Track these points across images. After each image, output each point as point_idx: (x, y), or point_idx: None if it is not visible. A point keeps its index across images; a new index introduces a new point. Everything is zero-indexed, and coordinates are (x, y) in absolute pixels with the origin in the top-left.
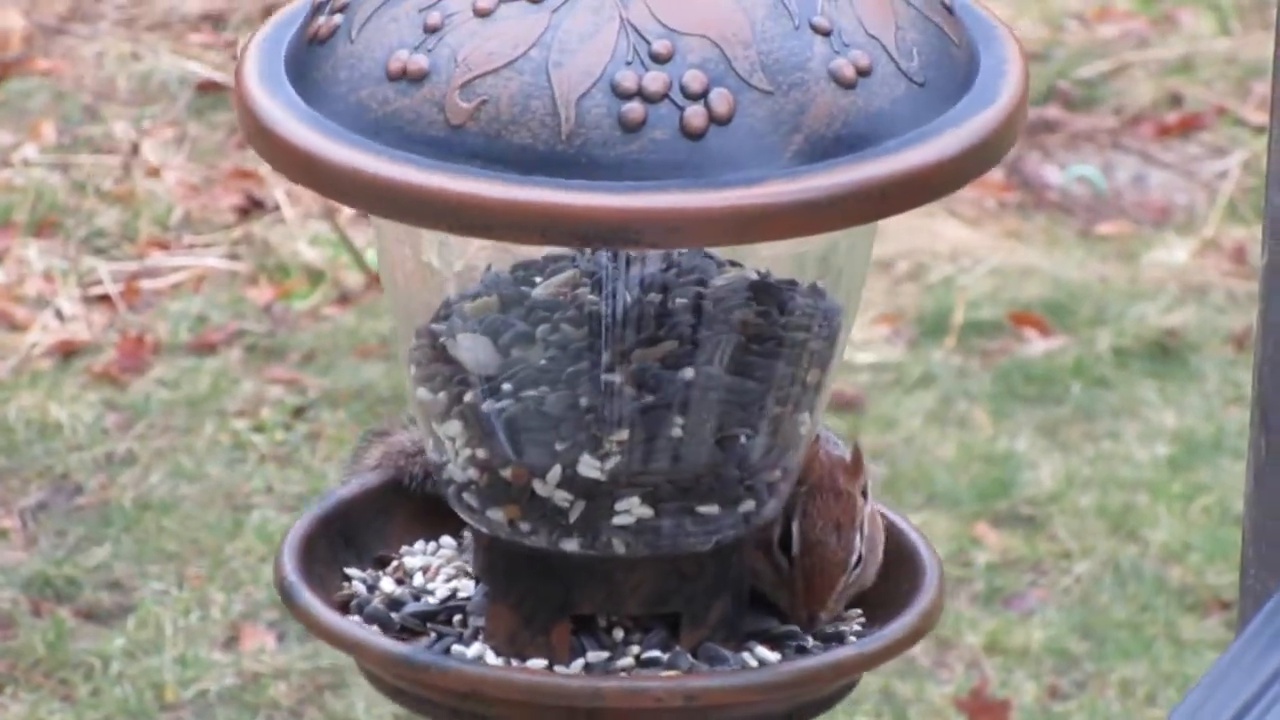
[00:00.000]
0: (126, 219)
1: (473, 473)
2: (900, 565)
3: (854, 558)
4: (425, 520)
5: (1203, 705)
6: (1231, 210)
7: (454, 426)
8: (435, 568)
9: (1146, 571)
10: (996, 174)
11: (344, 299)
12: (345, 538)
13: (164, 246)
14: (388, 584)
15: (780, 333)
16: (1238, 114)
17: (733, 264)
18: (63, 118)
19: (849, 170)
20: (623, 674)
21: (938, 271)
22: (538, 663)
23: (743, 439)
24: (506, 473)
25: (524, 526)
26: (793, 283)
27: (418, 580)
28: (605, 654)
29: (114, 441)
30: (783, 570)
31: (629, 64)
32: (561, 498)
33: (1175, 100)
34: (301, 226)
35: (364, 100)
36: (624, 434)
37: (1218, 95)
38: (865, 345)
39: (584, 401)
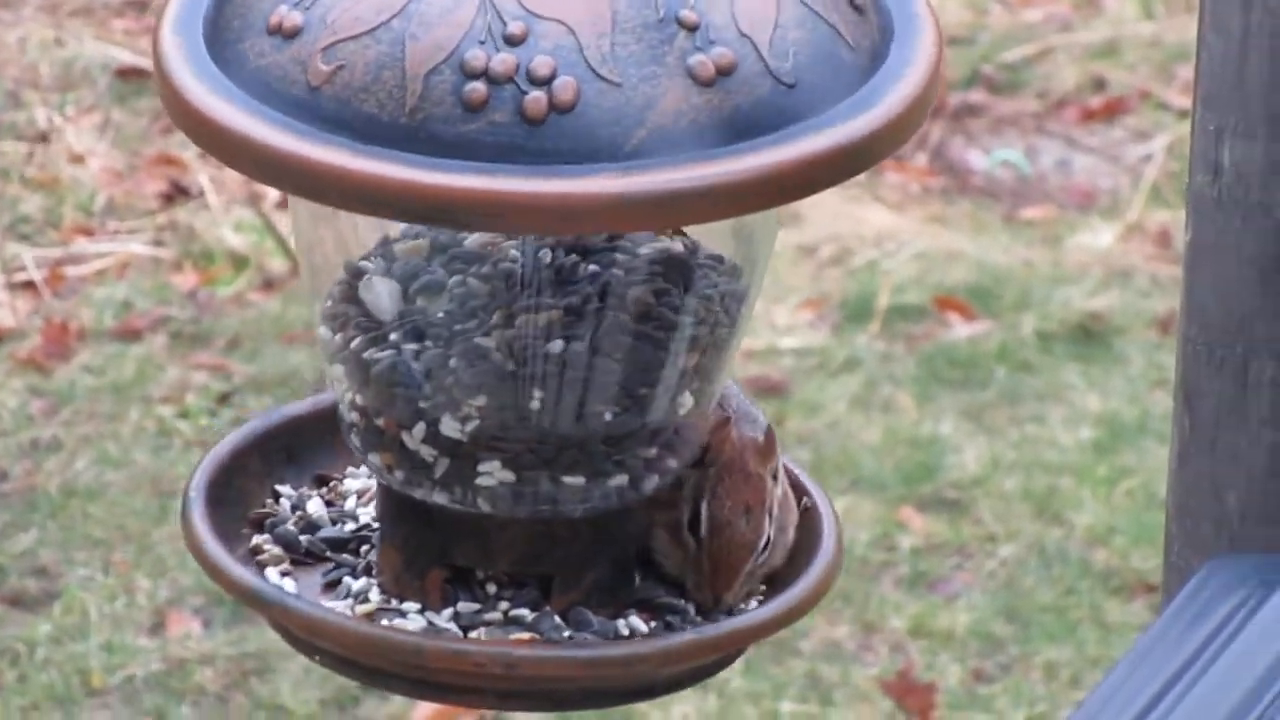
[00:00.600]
0: (50, 205)
1: (354, 416)
2: (807, 548)
3: (762, 540)
4: None
5: (1125, 681)
6: (1155, 194)
7: (339, 369)
8: (372, 492)
9: (1071, 555)
10: (920, 159)
11: (269, 285)
12: (287, 452)
13: (88, 233)
14: (315, 505)
15: (670, 316)
16: (1161, 98)
17: (677, 232)
18: None
19: (677, 171)
20: (472, 629)
21: (862, 256)
22: (413, 606)
23: (609, 416)
24: (380, 421)
25: (399, 475)
26: (719, 259)
27: (349, 504)
28: (476, 606)
29: (39, 428)
30: (689, 551)
31: (482, 43)
32: (427, 452)
33: (1099, 84)
34: (226, 213)
35: (245, 50)
36: (482, 399)
37: (1141, 79)
38: (789, 330)
39: (453, 362)
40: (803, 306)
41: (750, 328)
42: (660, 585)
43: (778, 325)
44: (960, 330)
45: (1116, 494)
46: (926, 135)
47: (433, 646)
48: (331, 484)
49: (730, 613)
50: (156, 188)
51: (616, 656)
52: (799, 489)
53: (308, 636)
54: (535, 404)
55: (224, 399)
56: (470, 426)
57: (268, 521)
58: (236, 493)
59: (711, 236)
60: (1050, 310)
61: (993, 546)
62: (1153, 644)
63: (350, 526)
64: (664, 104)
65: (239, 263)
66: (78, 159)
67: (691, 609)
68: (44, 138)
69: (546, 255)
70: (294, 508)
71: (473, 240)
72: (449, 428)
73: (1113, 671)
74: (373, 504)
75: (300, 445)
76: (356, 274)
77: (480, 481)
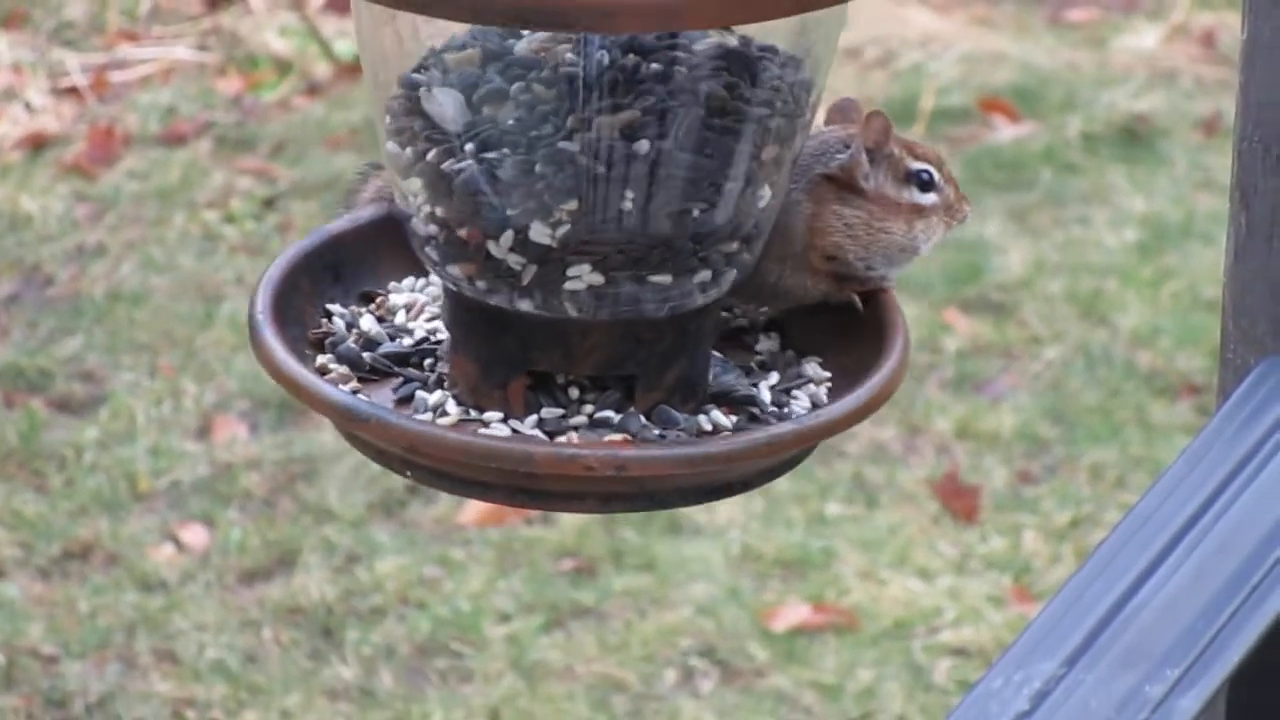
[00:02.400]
0: (95, 10)
1: (433, 229)
2: (873, 336)
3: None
4: (416, 257)
5: (1182, 479)
6: None
7: (415, 183)
8: (420, 305)
9: (1116, 356)
10: None
11: (313, 90)
12: (334, 272)
13: (133, 38)
14: (367, 322)
15: (744, 108)
16: None
17: (727, 29)
18: None
19: None
20: (561, 435)
21: (906, 58)
22: (494, 415)
23: (696, 213)
24: (462, 232)
25: (481, 284)
26: (772, 50)
27: (400, 318)
28: (560, 411)
29: (84, 233)
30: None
31: None
32: (515, 260)
33: None
34: (270, 17)
35: None
36: (574, 203)
37: None
38: None
39: (539, 168)
40: None
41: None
42: (736, 376)
43: (821, 127)
44: (1005, 132)
45: (1161, 295)
46: None
47: (543, 453)
48: (378, 300)
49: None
50: None
51: (720, 452)
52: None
53: (407, 451)
54: (627, 205)
55: (269, 203)
56: (561, 231)
57: (327, 341)
58: (295, 313)
59: (775, 30)
60: (1095, 112)
61: (1038, 348)
62: (1208, 442)
63: (408, 341)
64: None
65: (283, 68)
66: None
67: (768, 399)
68: None
69: (604, 57)
70: (349, 326)
71: (522, 46)
72: (539, 234)
73: (1168, 471)
74: (423, 317)
75: (344, 264)
76: (412, 86)
77: (568, 286)
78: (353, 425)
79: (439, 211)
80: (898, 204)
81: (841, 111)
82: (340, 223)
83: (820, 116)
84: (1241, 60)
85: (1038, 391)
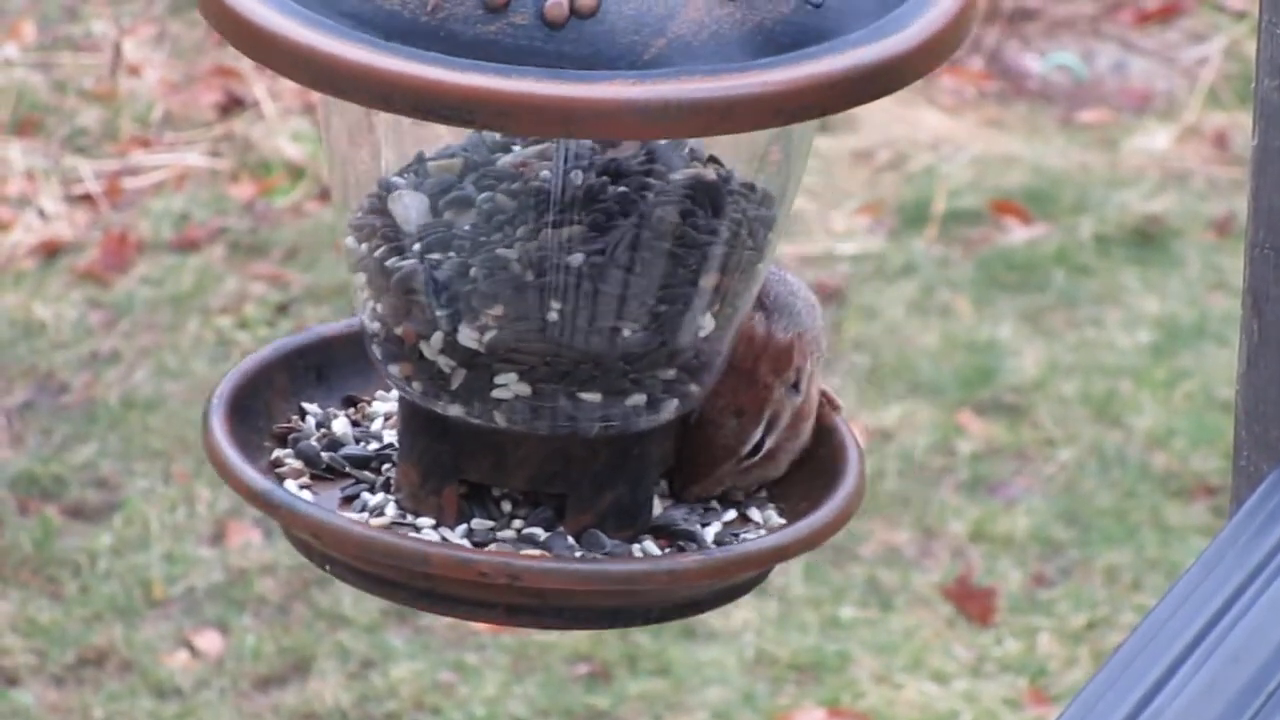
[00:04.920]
0: (108, 117)
1: (375, 325)
2: (829, 482)
3: (746, 448)
4: None
5: (1195, 589)
6: (1212, 96)
7: (361, 278)
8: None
9: (1131, 458)
10: (976, 62)
11: (325, 194)
12: (317, 372)
13: (146, 144)
14: (340, 424)
15: (693, 235)
16: (1217, 0)
17: (712, 159)
18: (42, 16)
19: (695, 82)
20: (484, 545)
21: (918, 161)
22: (426, 521)
23: (626, 332)
24: (399, 330)
25: (416, 386)
26: (750, 188)
27: (375, 425)
28: (490, 523)
29: (98, 340)
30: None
31: None
32: (444, 363)
33: None
34: (282, 123)
35: None
36: (499, 309)
37: None
38: (846, 235)
39: (472, 272)
40: (860, 211)
41: (807, 233)
42: (682, 512)
43: (835, 230)
44: (1017, 234)
45: (1175, 396)
46: (982, 39)
47: (438, 554)
48: (360, 405)
49: (733, 536)
50: (213, 99)
51: (618, 573)
52: (828, 407)
53: (314, 541)
54: (553, 315)
55: (282, 309)
56: (488, 336)
57: (290, 436)
58: (263, 406)
59: (746, 161)
60: (1107, 213)
61: (1052, 450)
62: (1221, 550)
63: (374, 446)
64: (686, 14)
65: (295, 173)
66: (135, 71)
67: (710, 537)
68: (101, 50)
69: (578, 176)
70: (319, 425)
71: (507, 160)
72: (466, 337)
73: (1182, 578)
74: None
75: (331, 365)
76: (388, 188)
77: (496, 394)
78: (264, 509)
79: (379, 308)
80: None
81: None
82: (336, 325)
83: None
84: (1252, 166)
85: (1052, 494)
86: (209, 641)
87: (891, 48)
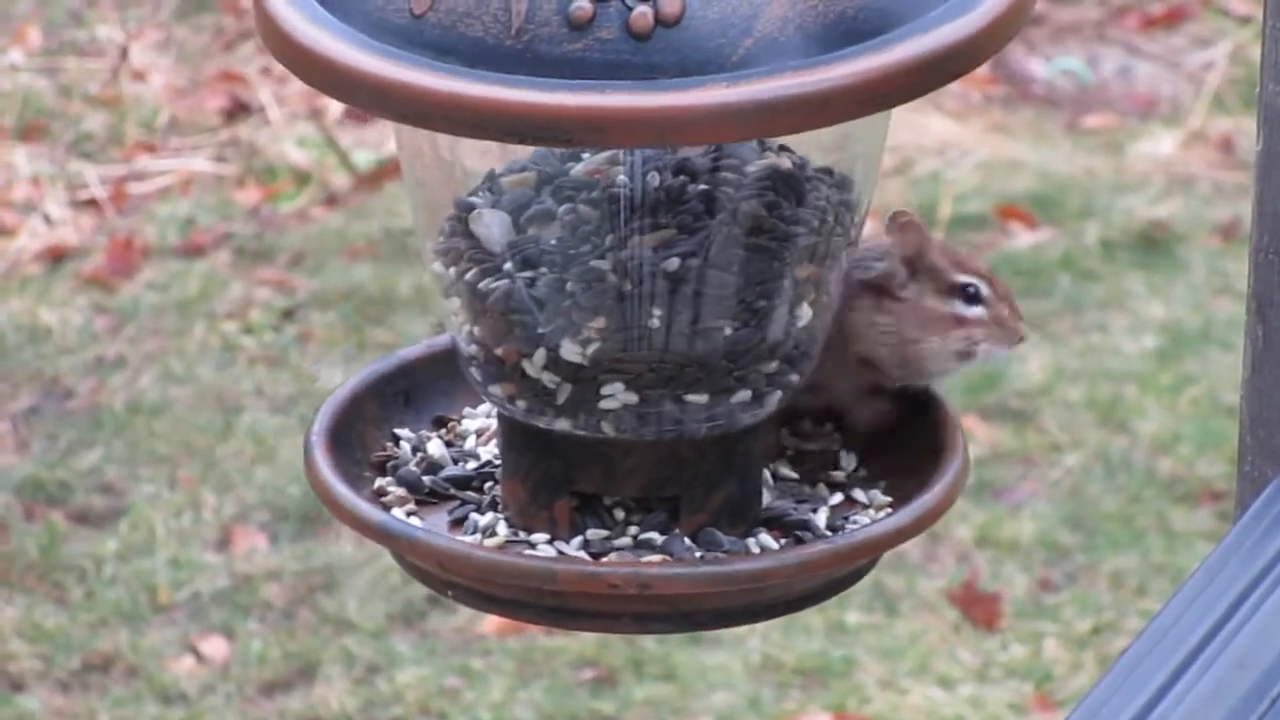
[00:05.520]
0: (113, 123)
1: (474, 349)
2: (932, 460)
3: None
4: None
5: (1199, 594)
6: (1217, 101)
7: (455, 302)
8: (491, 431)
9: (1136, 463)
10: (981, 68)
11: (331, 200)
12: (404, 397)
13: (151, 150)
14: (435, 446)
15: (783, 227)
16: (1222, 5)
17: (782, 149)
18: (48, 22)
19: (790, 78)
20: (602, 556)
21: (924, 166)
22: (541, 536)
23: (728, 330)
24: (499, 351)
25: (521, 405)
26: (828, 172)
27: (469, 443)
28: (605, 532)
29: (104, 345)
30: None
31: None
32: (549, 379)
33: None
34: (288, 128)
35: None
36: (601, 321)
37: None
38: None
39: (569, 286)
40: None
41: None
42: (790, 501)
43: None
44: (1023, 239)
45: (1181, 401)
46: None
47: (565, 570)
48: (450, 425)
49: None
50: (218, 104)
51: (748, 571)
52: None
53: (437, 569)
54: (654, 322)
55: (288, 314)
56: (591, 349)
57: (389, 464)
58: (357, 437)
59: (818, 148)
60: (1113, 218)
61: (1057, 455)
62: (1226, 556)
63: (472, 464)
64: (770, 12)
65: (301, 178)
66: (140, 77)
67: (823, 523)
68: (106, 55)
69: (654, 178)
70: (414, 449)
71: (579, 168)
72: (569, 351)
73: (1186, 584)
74: (493, 442)
75: (416, 389)
76: (466, 209)
77: (604, 405)
78: (385, 543)
79: (477, 331)
80: (938, 315)
81: (895, 221)
82: (415, 348)
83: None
84: (1256, 172)
85: (1058, 499)
86: (214, 647)
87: (969, 26)
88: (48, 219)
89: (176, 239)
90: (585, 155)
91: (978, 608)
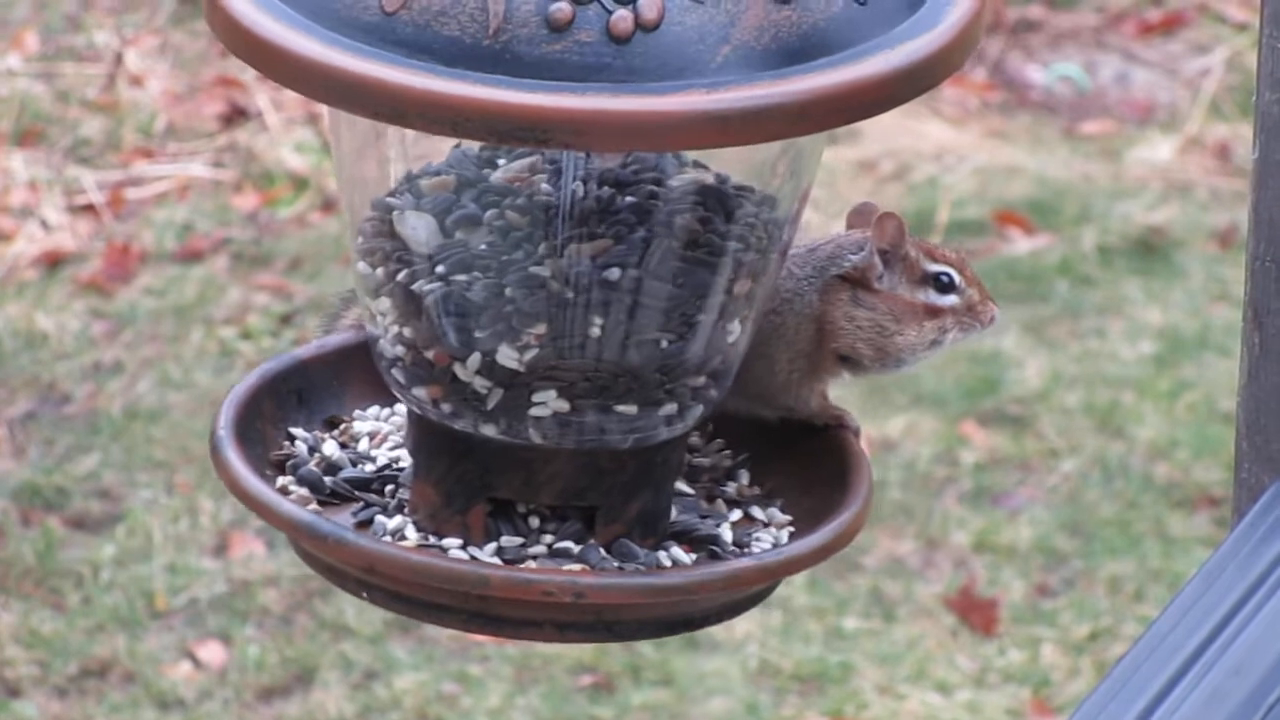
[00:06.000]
0: (110, 128)
1: (400, 350)
2: (836, 479)
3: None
4: (383, 385)
5: (1197, 600)
6: (1214, 108)
7: (385, 303)
8: (383, 434)
9: (1133, 469)
10: (979, 73)
11: (328, 205)
12: (298, 396)
13: (148, 155)
14: (330, 447)
15: (718, 242)
16: (1220, 11)
17: (696, 164)
18: (45, 27)
19: (768, 86)
20: (520, 564)
21: (922, 171)
22: (454, 541)
23: (664, 343)
24: (429, 354)
25: (446, 408)
26: (749, 190)
27: (363, 445)
28: (519, 540)
29: (101, 350)
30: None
31: None
32: (481, 384)
33: None
34: (285, 133)
35: None
36: (542, 328)
37: None
38: None
39: (508, 292)
40: None
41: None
42: (697, 516)
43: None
44: (1021, 245)
45: (1178, 407)
46: (985, 50)
47: (499, 576)
48: (342, 426)
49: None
50: (216, 109)
51: (680, 584)
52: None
53: (362, 571)
54: (595, 331)
55: (285, 320)
56: (528, 355)
57: (289, 464)
58: (258, 434)
59: (753, 167)
60: (1110, 224)
61: (1055, 461)
62: (1223, 562)
63: (370, 467)
64: (747, 20)
65: (299, 184)
66: (137, 82)
67: (729, 539)
68: (104, 61)
69: (580, 188)
70: (311, 450)
71: (499, 175)
72: (506, 357)
73: (1183, 590)
74: (386, 445)
75: (309, 388)
76: (385, 209)
77: (534, 412)
78: (311, 543)
79: (407, 332)
80: (912, 305)
81: (861, 215)
82: (307, 347)
83: (841, 223)
84: (1253, 179)
85: (1055, 504)
86: (212, 652)
87: (935, 41)
88: (45, 224)
89: (174, 244)
90: (501, 161)
91: (975, 613)
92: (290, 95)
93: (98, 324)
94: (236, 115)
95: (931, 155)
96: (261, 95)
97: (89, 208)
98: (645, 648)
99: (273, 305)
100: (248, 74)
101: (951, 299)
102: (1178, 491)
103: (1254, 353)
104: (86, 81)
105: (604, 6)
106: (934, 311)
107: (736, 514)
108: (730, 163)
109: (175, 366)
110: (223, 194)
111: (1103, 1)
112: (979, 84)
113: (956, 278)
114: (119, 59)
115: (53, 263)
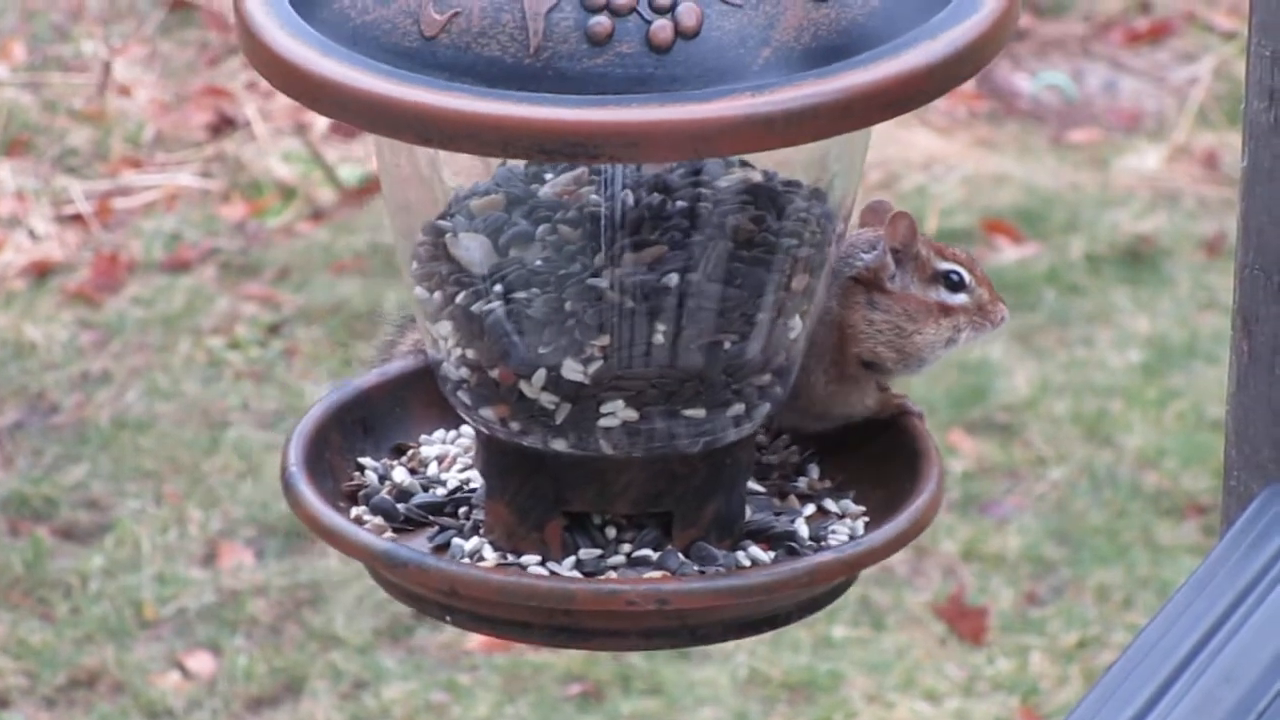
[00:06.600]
0: (98, 138)
1: (464, 372)
2: (906, 466)
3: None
4: (447, 408)
5: (1185, 608)
6: (1202, 116)
7: (446, 326)
8: (451, 457)
9: (1122, 477)
10: (966, 83)
11: (317, 215)
12: (363, 425)
13: (136, 165)
14: (400, 474)
15: (772, 239)
16: (1207, 20)
17: (742, 163)
18: (33, 37)
19: (813, 85)
20: (600, 576)
21: (909, 180)
22: (532, 558)
23: (727, 345)
24: (494, 373)
25: (514, 426)
26: (797, 185)
27: (432, 470)
28: (598, 551)
29: (89, 360)
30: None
31: None
32: (548, 399)
33: (1144, 6)
34: (273, 143)
35: (345, 9)
36: (605, 339)
37: (1187, 1)
38: None
39: (568, 305)
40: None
41: None
42: (771, 514)
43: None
44: (1009, 253)
45: (1166, 416)
46: None
47: (583, 590)
48: (409, 452)
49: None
50: (204, 119)
51: (762, 583)
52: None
53: (444, 595)
54: (658, 338)
55: (274, 329)
56: (593, 367)
57: (360, 494)
58: (327, 468)
59: (800, 164)
60: (1098, 233)
61: (1043, 469)
62: (1212, 570)
63: (441, 491)
64: (786, 20)
65: (287, 193)
66: (125, 91)
67: (805, 534)
68: (91, 70)
69: (629, 196)
70: (381, 478)
71: (547, 190)
72: (571, 371)
73: (1172, 598)
74: (455, 468)
75: (374, 416)
76: (438, 233)
77: (603, 423)
78: (392, 571)
79: (470, 354)
80: (926, 303)
81: (874, 212)
82: (368, 376)
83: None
84: (1242, 187)
85: (1043, 512)
86: (201, 662)
87: (973, 29)
88: (33, 234)
89: (162, 254)
90: (549, 176)
91: (964, 621)
92: (278, 105)
93: (86, 334)
94: (224, 125)
95: (920, 164)
96: (249, 105)
97: (77, 217)
98: (634, 658)
99: (261, 315)
100: (235, 83)
101: (962, 298)
102: (1166, 500)
103: (1242, 361)
104: (74, 91)
105: (642, 17)
106: (947, 310)
107: (810, 508)
108: (776, 161)
109: (163, 376)
110: (210, 204)
111: (1090, 10)
112: (966, 93)
113: (966, 276)
114: (107, 69)
115: (41, 273)
